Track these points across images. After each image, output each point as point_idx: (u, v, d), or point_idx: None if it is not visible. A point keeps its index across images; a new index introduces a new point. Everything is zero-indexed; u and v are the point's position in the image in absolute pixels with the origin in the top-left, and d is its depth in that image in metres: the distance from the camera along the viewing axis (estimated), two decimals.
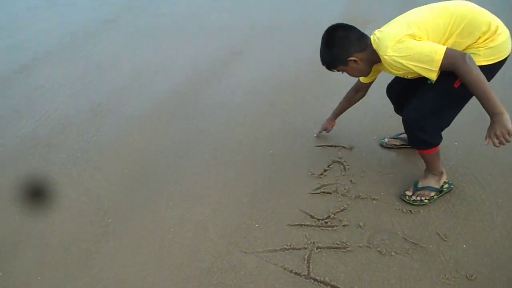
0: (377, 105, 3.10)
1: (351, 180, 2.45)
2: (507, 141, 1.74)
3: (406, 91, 2.27)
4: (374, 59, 2.03)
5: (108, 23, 5.75)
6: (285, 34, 4.83)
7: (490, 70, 1.92)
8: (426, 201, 2.25)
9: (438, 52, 1.77)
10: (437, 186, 2.27)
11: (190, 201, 2.41)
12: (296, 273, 1.92)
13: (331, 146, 2.76)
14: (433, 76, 1.84)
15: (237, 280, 1.91)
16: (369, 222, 2.16)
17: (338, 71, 2.17)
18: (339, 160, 2.62)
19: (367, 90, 2.53)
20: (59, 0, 7.02)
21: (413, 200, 2.27)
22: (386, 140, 2.75)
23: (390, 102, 2.52)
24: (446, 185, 2.30)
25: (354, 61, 2.05)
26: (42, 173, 2.74)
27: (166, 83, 3.88)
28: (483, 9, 1.91)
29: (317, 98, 3.35)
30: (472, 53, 1.86)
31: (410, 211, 2.20)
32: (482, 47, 1.88)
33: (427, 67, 1.81)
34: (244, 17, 5.53)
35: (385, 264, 1.93)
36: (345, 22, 2.13)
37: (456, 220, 2.13)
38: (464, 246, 1.99)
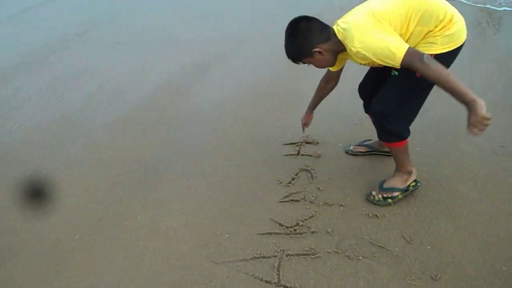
0: (343, 113, 3.17)
1: (318, 188, 2.49)
2: (486, 126, 1.72)
3: (376, 89, 2.26)
4: (338, 49, 2.06)
5: (78, 36, 5.68)
6: (254, 47, 4.88)
7: (448, 57, 2.02)
8: (390, 200, 2.32)
9: (399, 50, 1.81)
10: (402, 187, 2.34)
11: (161, 212, 2.40)
12: (266, 281, 1.93)
13: (299, 155, 2.81)
14: (396, 67, 1.88)
15: None
16: (337, 228, 2.20)
17: (304, 63, 2.15)
18: (306, 168, 2.66)
19: (337, 79, 2.49)
20: (30, 13, 6.91)
21: (378, 200, 2.33)
22: (351, 147, 2.80)
23: (355, 111, 2.58)
24: (413, 183, 2.36)
25: (319, 52, 2.05)
26: (8, 187, 2.68)
27: (136, 95, 3.86)
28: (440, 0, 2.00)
29: (284, 109, 3.40)
30: (430, 42, 1.97)
31: (376, 215, 2.25)
32: (439, 36, 1.96)
33: (390, 62, 1.86)
34: (213, 30, 5.57)
35: (354, 268, 1.97)
36: None
37: (421, 223, 2.19)
38: (429, 247, 2.05)
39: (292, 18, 2.04)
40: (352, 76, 2.71)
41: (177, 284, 1.96)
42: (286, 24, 2.05)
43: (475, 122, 1.72)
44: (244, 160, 2.80)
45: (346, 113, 3.17)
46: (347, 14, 2.07)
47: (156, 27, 5.86)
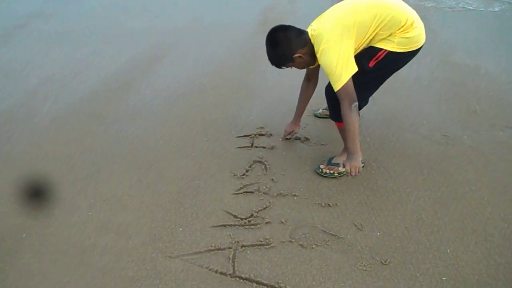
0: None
1: (272, 179, 2.51)
2: (357, 173, 2.22)
3: None
4: (314, 51, 2.21)
5: (19, 28, 5.42)
6: (204, 37, 4.85)
7: (401, 57, 2.20)
8: (336, 174, 2.50)
9: (340, 81, 2.09)
10: None
11: (111, 208, 2.34)
12: (221, 273, 1.93)
13: (252, 147, 2.82)
14: (334, 89, 2.15)
15: (163, 285, 1.88)
16: (291, 218, 2.22)
17: (287, 67, 2.33)
18: (260, 160, 2.68)
19: (317, 77, 2.65)
20: None
21: (324, 172, 2.51)
22: (320, 111, 3.13)
23: (309, 103, 2.63)
24: None
25: (299, 56, 2.23)
26: None
27: (82, 88, 3.75)
28: (404, 5, 2.18)
29: (237, 100, 3.40)
30: (388, 40, 2.15)
31: (328, 204, 2.30)
32: (397, 36, 2.14)
33: (332, 82, 2.14)
34: (163, 21, 5.47)
35: (307, 256, 2.00)
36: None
37: (371, 211, 2.26)
38: (378, 234, 2.11)
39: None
40: None
41: (129, 279, 1.91)
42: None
43: (351, 167, 2.20)
44: (197, 153, 2.77)
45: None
46: (319, 18, 2.25)
47: (104, 17, 5.69)
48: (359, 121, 2.30)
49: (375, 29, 2.13)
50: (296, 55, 2.21)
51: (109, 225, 2.23)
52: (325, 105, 3.03)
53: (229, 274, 1.92)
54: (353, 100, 2.10)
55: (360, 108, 2.38)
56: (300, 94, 2.74)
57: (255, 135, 2.93)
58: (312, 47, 2.21)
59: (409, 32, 2.14)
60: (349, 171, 2.21)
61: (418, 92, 3.48)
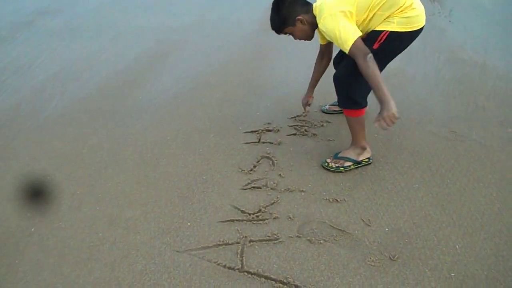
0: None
1: (280, 174, 2.51)
2: (393, 122, 2.00)
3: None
4: (315, 23, 2.29)
5: (26, 25, 5.44)
6: (210, 34, 4.85)
7: (403, 37, 2.25)
8: (342, 169, 2.51)
9: (348, 41, 2.07)
10: (356, 159, 2.53)
11: (119, 203, 2.35)
12: (229, 268, 1.93)
13: (259, 142, 2.82)
14: (346, 51, 2.12)
15: (171, 279, 1.89)
16: (299, 213, 2.22)
17: (286, 33, 2.41)
18: (267, 155, 2.68)
19: (330, 54, 2.75)
20: None
21: (331, 166, 2.52)
22: (327, 106, 3.16)
23: (316, 99, 2.63)
24: (366, 159, 2.56)
25: (301, 21, 2.31)
26: None
27: (90, 84, 3.76)
28: None
29: (244, 97, 3.40)
30: (388, 21, 2.19)
31: (336, 200, 2.29)
32: (397, 16, 2.18)
33: (341, 47, 2.13)
34: (169, 18, 5.48)
35: (315, 252, 2.00)
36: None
37: (379, 206, 2.26)
38: (387, 229, 2.11)
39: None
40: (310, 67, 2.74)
41: (138, 272, 1.92)
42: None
43: (386, 117, 1.99)
44: (204, 149, 2.77)
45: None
46: None
47: (110, 14, 5.70)
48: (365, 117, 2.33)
49: (375, 7, 2.17)
50: (299, 17, 2.30)
51: (117, 220, 2.23)
52: (332, 100, 3.05)
53: (237, 269, 1.92)
54: (366, 53, 2.07)
55: (360, 105, 2.40)
56: (314, 70, 2.83)
57: (262, 130, 2.92)
58: (314, 18, 2.29)
59: (408, 12, 2.18)
60: (384, 124, 2.01)
61: (426, 89, 3.47)
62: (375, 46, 2.21)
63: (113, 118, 3.19)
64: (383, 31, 2.20)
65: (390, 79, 3.67)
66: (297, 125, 2.98)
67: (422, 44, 4.27)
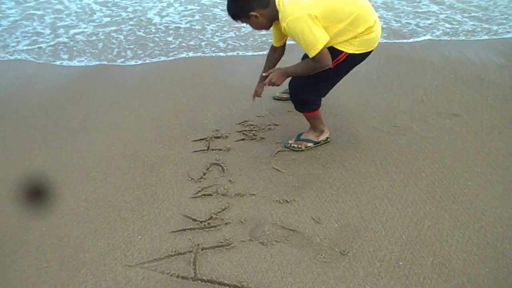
0: (253, 106, 3.23)
1: (230, 180, 2.52)
2: (271, 82, 2.37)
3: None
4: (274, 17, 2.28)
5: None
6: (149, 43, 4.80)
7: (361, 57, 2.38)
8: (304, 148, 2.73)
9: (315, 47, 2.14)
10: (316, 140, 2.75)
11: (66, 222, 2.27)
12: (183, 277, 1.92)
13: (208, 150, 2.81)
14: (309, 55, 2.21)
15: None
16: (250, 217, 2.24)
17: (241, 22, 2.38)
18: (217, 162, 2.68)
19: (283, 50, 2.76)
20: None
21: (293, 146, 2.74)
22: (277, 94, 3.36)
23: (263, 104, 2.66)
24: (325, 139, 2.78)
25: (256, 16, 2.26)
26: None
27: (30, 101, 3.61)
28: (370, 5, 2.29)
29: (190, 105, 3.38)
30: (349, 42, 2.28)
31: (286, 201, 2.33)
32: (358, 39, 2.26)
33: (306, 50, 2.20)
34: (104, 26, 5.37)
35: (268, 253, 2.02)
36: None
37: (328, 203, 2.31)
38: (336, 225, 2.16)
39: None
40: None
41: None
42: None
43: (274, 76, 2.36)
44: (153, 161, 2.74)
45: (256, 105, 3.24)
46: None
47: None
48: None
49: (342, 21, 2.20)
50: (253, 13, 2.25)
51: (65, 240, 2.16)
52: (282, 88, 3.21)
53: (191, 278, 1.91)
54: (327, 65, 2.21)
55: (314, 109, 2.61)
56: (266, 61, 2.81)
57: (210, 138, 2.92)
58: (273, 12, 2.24)
59: (372, 33, 2.28)
60: (269, 78, 2.36)
61: (368, 87, 3.58)
62: (332, 65, 2.27)
63: (57, 136, 3.07)
64: (343, 52, 2.29)
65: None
66: (245, 130, 2.99)
67: None
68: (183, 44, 4.75)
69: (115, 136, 3.03)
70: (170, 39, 4.93)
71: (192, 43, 4.78)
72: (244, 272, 1.92)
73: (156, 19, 5.53)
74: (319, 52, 2.14)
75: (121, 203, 2.39)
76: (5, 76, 4.14)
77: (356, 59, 2.36)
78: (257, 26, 2.38)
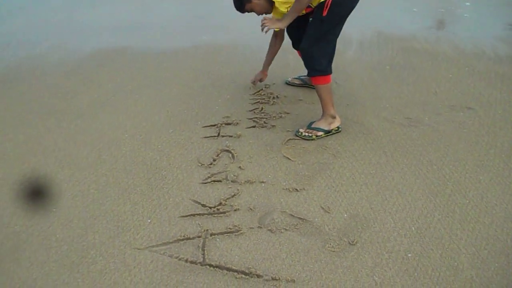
0: (263, 94, 3.22)
1: (239, 167, 2.51)
2: (264, 26, 2.63)
3: (301, 33, 2.74)
4: None
5: None
6: (165, 30, 4.79)
7: (347, 1, 2.54)
8: (315, 137, 2.74)
9: None
10: (327, 128, 2.77)
11: (76, 204, 2.29)
12: (191, 262, 1.92)
13: (219, 136, 2.81)
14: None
15: (132, 277, 1.86)
16: (259, 204, 2.24)
17: (248, 11, 2.75)
18: (227, 148, 2.68)
19: (283, 37, 3.17)
20: None
21: (304, 135, 2.76)
22: (289, 79, 3.50)
23: (275, 89, 2.65)
24: (336, 128, 2.79)
25: None
26: None
27: (41, 83, 3.63)
28: None
29: (201, 91, 3.37)
30: None
31: (296, 189, 2.32)
32: None
33: None
34: (123, 15, 5.37)
35: (276, 241, 2.02)
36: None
37: (337, 194, 2.30)
38: (345, 215, 2.15)
39: None
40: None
41: (98, 273, 1.88)
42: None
43: (268, 21, 2.63)
44: (163, 145, 2.74)
45: (267, 92, 3.23)
46: None
47: (65, 11, 5.54)
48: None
49: None
50: None
51: (74, 221, 2.18)
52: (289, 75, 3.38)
53: (199, 263, 1.92)
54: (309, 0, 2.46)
55: (326, 72, 2.67)
56: (268, 51, 3.24)
57: (221, 124, 2.92)
58: None
59: None
60: (263, 22, 2.63)
61: (380, 78, 3.55)
62: (324, 13, 2.48)
63: (67, 118, 3.09)
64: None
65: (346, 68, 3.74)
66: (256, 118, 2.99)
67: (376, 34, 4.36)
68: (199, 31, 4.75)
69: (126, 119, 3.04)
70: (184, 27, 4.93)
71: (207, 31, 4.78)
72: (253, 259, 1.93)
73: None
74: None
75: (131, 186, 2.40)
76: (16, 56, 4.16)
77: (343, 2, 2.50)
78: (260, 9, 2.70)
